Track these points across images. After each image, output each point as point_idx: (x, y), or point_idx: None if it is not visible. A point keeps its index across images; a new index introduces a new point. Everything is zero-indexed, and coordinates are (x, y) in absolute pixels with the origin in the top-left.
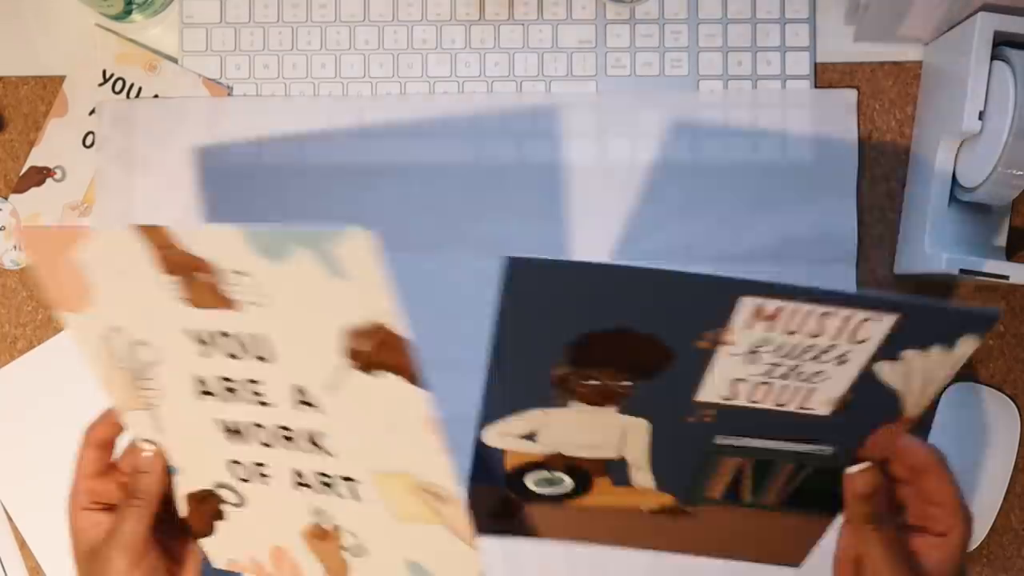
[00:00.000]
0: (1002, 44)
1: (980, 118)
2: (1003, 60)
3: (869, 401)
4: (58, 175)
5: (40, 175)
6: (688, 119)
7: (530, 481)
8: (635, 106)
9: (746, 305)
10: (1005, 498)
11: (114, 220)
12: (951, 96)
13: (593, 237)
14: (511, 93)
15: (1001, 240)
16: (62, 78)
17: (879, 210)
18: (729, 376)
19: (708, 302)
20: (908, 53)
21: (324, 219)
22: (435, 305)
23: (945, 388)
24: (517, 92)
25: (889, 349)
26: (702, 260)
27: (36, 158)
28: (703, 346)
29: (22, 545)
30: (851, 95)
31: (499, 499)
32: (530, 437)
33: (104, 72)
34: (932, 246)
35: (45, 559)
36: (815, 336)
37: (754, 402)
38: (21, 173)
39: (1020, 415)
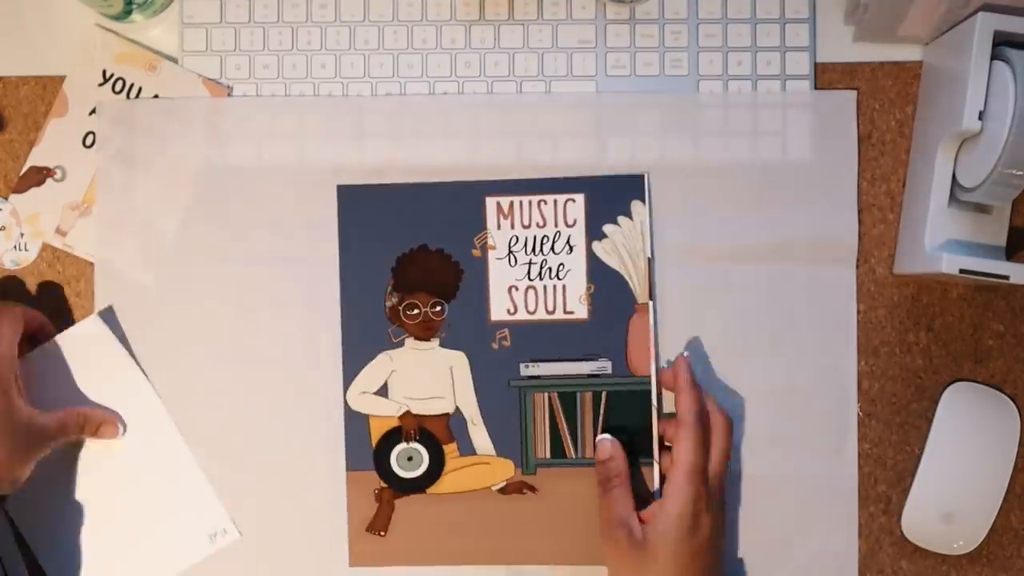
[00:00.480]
0: (1002, 44)
1: (980, 118)
2: (1003, 60)
3: (607, 289)
4: (58, 175)
5: (40, 175)
6: (688, 119)
7: (393, 460)
8: (635, 106)
9: (490, 205)
10: (1005, 498)
11: (115, 220)
12: (951, 96)
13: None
14: (511, 93)
15: (1001, 240)
16: (62, 78)
17: (879, 210)
18: (504, 283)
19: (467, 206)
20: (908, 53)
21: (323, 220)
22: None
23: (650, 264)
24: (517, 92)
25: (595, 229)
26: (702, 260)
27: (36, 158)
28: (476, 255)
29: (22, 545)
30: (851, 96)
31: (374, 497)
32: (384, 392)
33: (104, 72)
34: (932, 246)
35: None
36: (541, 226)
37: (531, 314)
38: (21, 173)
39: (1020, 415)
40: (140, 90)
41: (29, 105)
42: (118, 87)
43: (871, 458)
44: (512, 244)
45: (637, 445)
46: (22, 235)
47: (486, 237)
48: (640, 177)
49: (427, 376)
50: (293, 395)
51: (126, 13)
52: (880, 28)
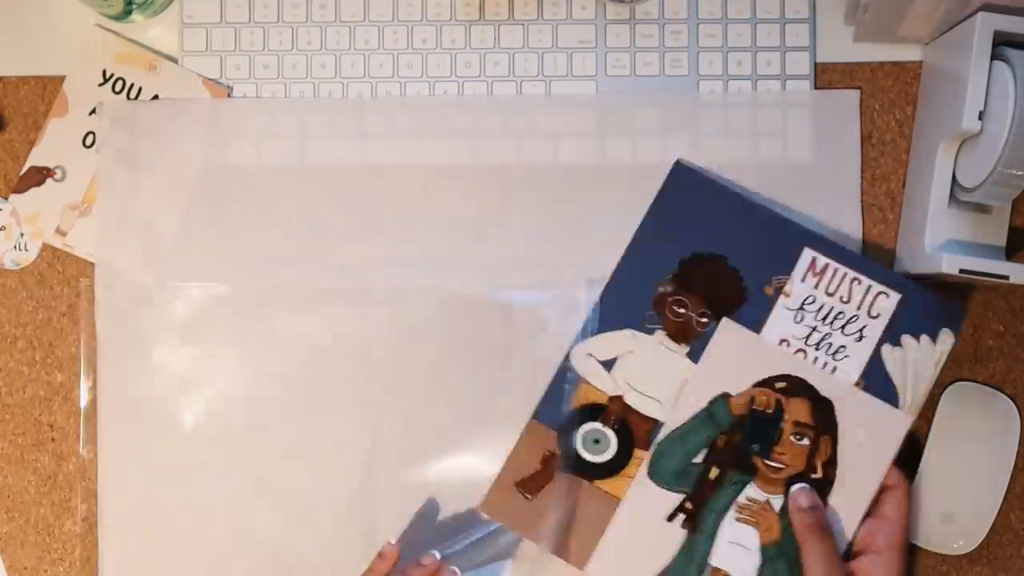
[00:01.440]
0: (1002, 44)
1: (980, 118)
2: (1003, 60)
3: (876, 390)
4: (58, 175)
5: (40, 175)
6: (688, 119)
7: (580, 437)
8: (635, 106)
9: (805, 256)
10: (1005, 498)
11: (115, 220)
12: (951, 96)
13: (593, 237)
14: (511, 93)
15: (1001, 240)
16: (62, 78)
17: (879, 210)
18: (779, 332)
19: (782, 245)
20: (908, 53)
21: (324, 219)
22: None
23: (930, 391)
24: (517, 92)
25: (893, 333)
26: None
27: (36, 158)
28: (768, 292)
29: (21, 544)
30: (852, 95)
31: (540, 459)
32: (608, 365)
33: (104, 72)
34: (932, 246)
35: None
36: (845, 302)
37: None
38: (21, 173)
39: (1020, 415)
40: (140, 90)
41: (29, 105)
42: (118, 87)
43: None
44: (807, 302)
45: None
46: (22, 235)
47: (785, 282)
48: (959, 311)
49: (658, 375)
50: (306, 395)
51: (126, 13)
52: (880, 28)
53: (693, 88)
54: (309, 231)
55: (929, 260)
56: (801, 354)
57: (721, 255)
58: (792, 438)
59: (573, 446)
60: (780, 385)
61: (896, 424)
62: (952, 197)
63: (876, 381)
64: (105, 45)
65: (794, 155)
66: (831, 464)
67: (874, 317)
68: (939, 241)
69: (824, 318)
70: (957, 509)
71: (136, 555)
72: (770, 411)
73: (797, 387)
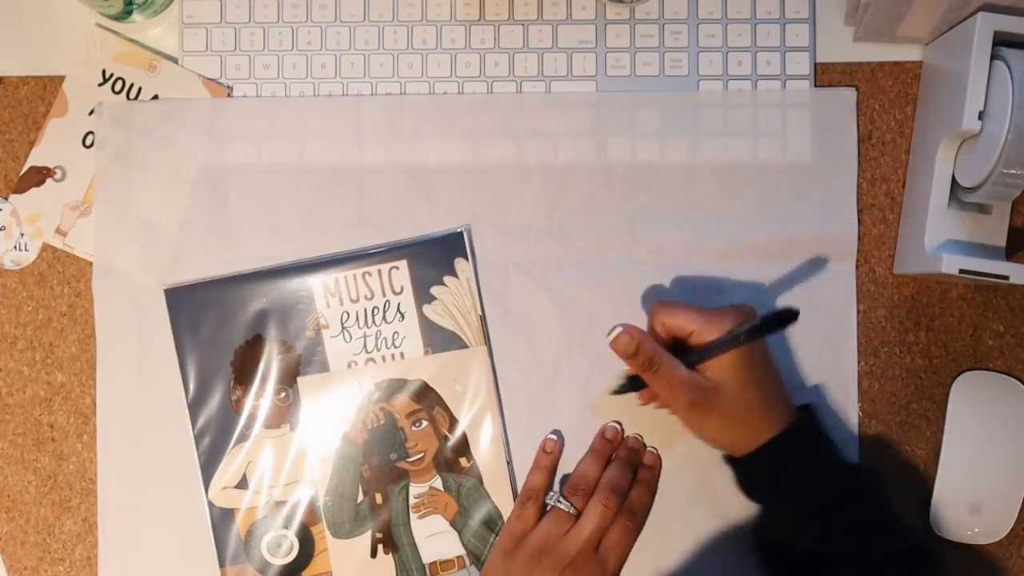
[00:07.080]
0: (1000, 44)
1: (980, 118)
2: (1002, 60)
3: (441, 345)
4: (58, 175)
5: (40, 175)
6: (688, 119)
7: (264, 549)
8: (635, 106)
9: (316, 284)
10: None
11: (114, 220)
12: (951, 96)
13: (593, 237)
14: (511, 93)
15: (1001, 240)
16: (62, 78)
17: (879, 210)
18: (343, 360)
19: (295, 290)
20: (908, 53)
21: (323, 219)
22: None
23: (483, 317)
24: (517, 92)
25: (423, 292)
26: (702, 259)
27: (36, 158)
28: (311, 336)
29: (21, 544)
30: (850, 94)
31: None
32: (243, 484)
33: (104, 72)
34: (932, 246)
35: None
36: (369, 298)
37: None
38: (21, 173)
39: None
40: (140, 90)
41: (29, 105)
42: (118, 87)
43: (871, 458)
44: (344, 320)
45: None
46: (22, 235)
47: (317, 318)
48: (460, 234)
49: (285, 461)
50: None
51: (126, 13)
52: (880, 28)
53: (693, 88)
54: (309, 231)
55: (929, 260)
56: (371, 362)
57: (256, 335)
58: (413, 428)
59: (267, 562)
60: (376, 396)
61: (476, 359)
62: (952, 197)
63: (437, 338)
64: (105, 45)
65: (793, 154)
66: (455, 423)
67: (398, 292)
68: (939, 241)
69: (365, 322)
70: (982, 499)
71: (136, 555)
72: (382, 422)
73: (387, 389)
